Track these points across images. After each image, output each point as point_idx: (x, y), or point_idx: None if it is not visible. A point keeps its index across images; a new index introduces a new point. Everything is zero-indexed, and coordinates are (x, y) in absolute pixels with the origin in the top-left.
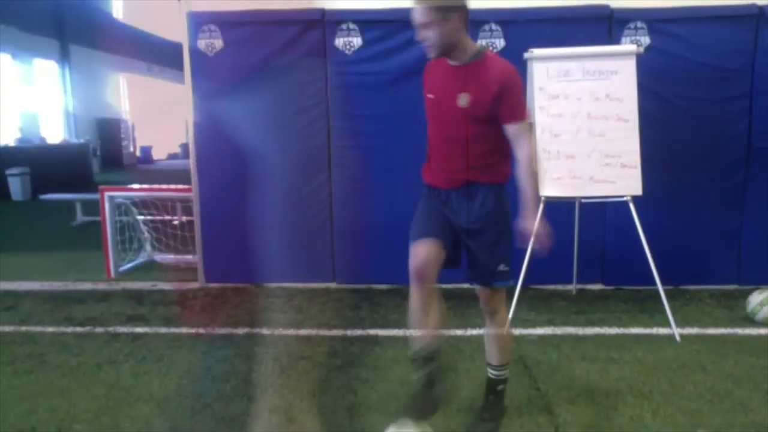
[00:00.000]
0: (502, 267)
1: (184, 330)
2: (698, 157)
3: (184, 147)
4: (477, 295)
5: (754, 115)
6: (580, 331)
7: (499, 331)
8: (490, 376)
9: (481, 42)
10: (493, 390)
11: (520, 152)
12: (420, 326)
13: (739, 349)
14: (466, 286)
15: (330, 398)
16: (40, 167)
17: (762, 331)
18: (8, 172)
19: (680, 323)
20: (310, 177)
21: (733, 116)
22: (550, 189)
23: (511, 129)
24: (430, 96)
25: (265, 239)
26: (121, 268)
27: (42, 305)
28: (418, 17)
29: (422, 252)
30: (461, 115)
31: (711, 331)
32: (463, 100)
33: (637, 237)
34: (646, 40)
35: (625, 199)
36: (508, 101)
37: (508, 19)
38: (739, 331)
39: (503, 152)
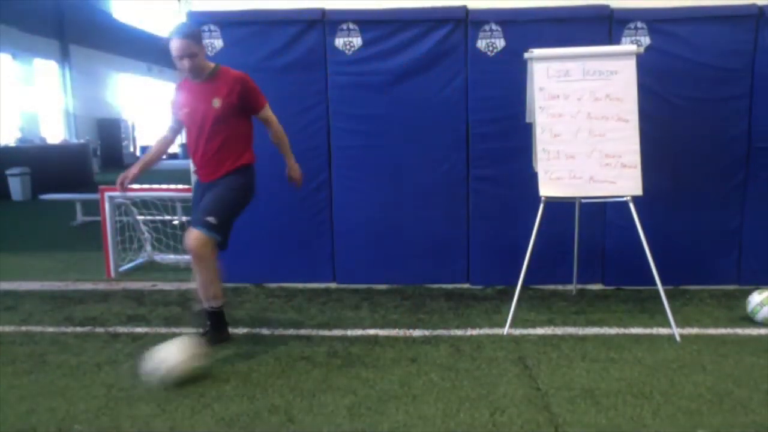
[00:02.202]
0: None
1: (184, 330)
2: (698, 157)
3: (184, 147)
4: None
5: (754, 115)
6: (580, 331)
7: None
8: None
9: (481, 42)
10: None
11: (272, 128)
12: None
13: (739, 349)
14: (466, 286)
15: (330, 398)
16: (40, 167)
17: (762, 331)
18: (8, 172)
19: (680, 323)
20: (310, 177)
21: (733, 116)
22: (550, 189)
23: (261, 115)
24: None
25: (265, 239)
26: (121, 268)
27: (42, 305)
28: (183, 50)
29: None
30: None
31: (711, 331)
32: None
33: (637, 237)
34: (646, 40)
35: (625, 199)
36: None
37: (508, 19)
38: (739, 331)
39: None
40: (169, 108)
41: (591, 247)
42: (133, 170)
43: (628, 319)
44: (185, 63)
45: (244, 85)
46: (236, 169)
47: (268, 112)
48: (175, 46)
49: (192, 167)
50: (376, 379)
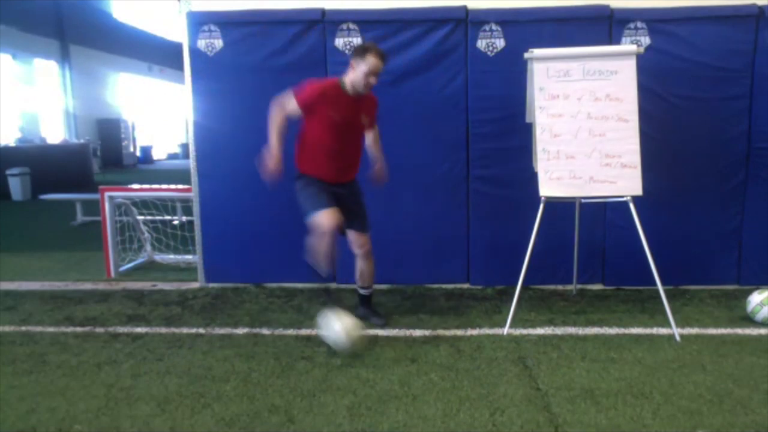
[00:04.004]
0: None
1: (184, 330)
2: (698, 157)
3: (184, 147)
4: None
5: (754, 115)
6: (580, 331)
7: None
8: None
9: (481, 42)
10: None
11: (375, 134)
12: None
13: (739, 349)
14: (466, 286)
15: (330, 398)
16: (40, 167)
17: (762, 331)
18: (8, 172)
19: (680, 323)
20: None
21: (733, 116)
22: (550, 189)
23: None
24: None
25: (265, 239)
26: (121, 268)
27: (42, 305)
28: (379, 69)
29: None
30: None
31: (711, 331)
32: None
33: (637, 237)
34: (646, 40)
35: (625, 199)
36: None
37: (508, 19)
38: (739, 331)
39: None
40: (306, 101)
41: (591, 247)
42: (277, 160)
43: (628, 319)
44: (373, 80)
45: (377, 107)
46: (356, 177)
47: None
48: (376, 64)
49: (313, 165)
50: (376, 379)
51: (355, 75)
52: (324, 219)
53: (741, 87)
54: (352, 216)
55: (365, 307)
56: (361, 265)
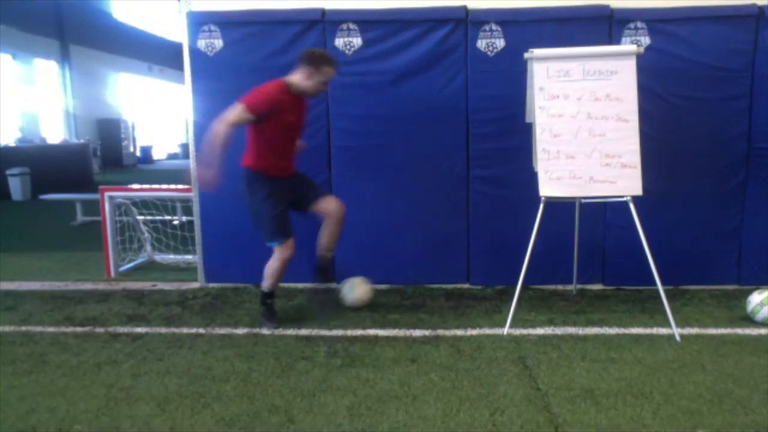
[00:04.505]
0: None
1: (184, 330)
2: (698, 157)
3: (184, 147)
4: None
5: (754, 115)
6: (580, 331)
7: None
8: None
9: (481, 42)
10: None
11: None
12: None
13: (739, 349)
14: (466, 286)
15: (330, 398)
16: (40, 167)
17: (762, 331)
18: (8, 172)
19: (680, 323)
20: (310, 177)
21: (733, 116)
22: (550, 189)
23: None
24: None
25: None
26: (121, 268)
27: (42, 305)
28: (332, 77)
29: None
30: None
31: (711, 331)
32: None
33: (637, 237)
34: (646, 40)
35: (625, 199)
36: None
37: (508, 19)
38: (739, 331)
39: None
40: (259, 110)
41: (591, 247)
42: (218, 173)
43: (628, 319)
44: (324, 87)
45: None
46: None
47: None
48: (332, 74)
49: (264, 164)
50: (376, 379)
51: (310, 83)
52: (289, 250)
53: (741, 87)
54: (311, 193)
55: (323, 273)
56: (333, 228)
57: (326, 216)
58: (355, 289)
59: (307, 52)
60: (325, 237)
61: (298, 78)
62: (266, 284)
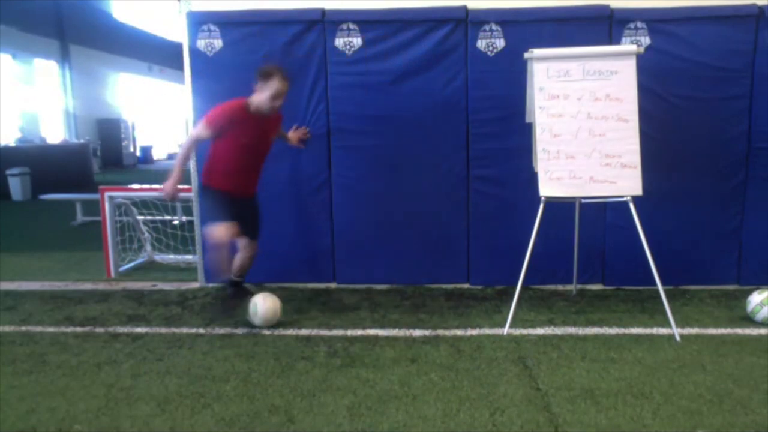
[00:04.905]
0: None
1: (184, 330)
2: (698, 157)
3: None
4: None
5: (754, 115)
6: (580, 331)
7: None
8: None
9: (481, 42)
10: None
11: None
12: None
13: (739, 349)
14: (466, 286)
15: (330, 398)
16: (40, 167)
17: (762, 331)
18: (8, 172)
19: (680, 323)
20: (310, 177)
21: (733, 116)
22: (550, 189)
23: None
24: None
25: (265, 239)
26: (121, 268)
27: (42, 305)
28: (284, 92)
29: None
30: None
31: (711, 331)
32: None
33: (637, 237)
34: (646, 40)
35: (625, 199)
36: None
37: (508, 19)
38: (739, 331)
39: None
40: (216, 125)
41: (591, 247)
42: (178, 172)
43: (628, 319)
44: (278, 103)
45: (281, 121)
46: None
47: None
48: (280, 88)
49: (222, 180)
50: (376, 379)
51: (260, 98)
52: (222, 230)
53: (741, 87)
54: (249, 226)
55: (240, 294)
56: (244, 261)
57: (242, 248)
58: (258, 308)
59: (259, 68)
60: (239, 262)
61: (254, 95)
62: (222, 275)
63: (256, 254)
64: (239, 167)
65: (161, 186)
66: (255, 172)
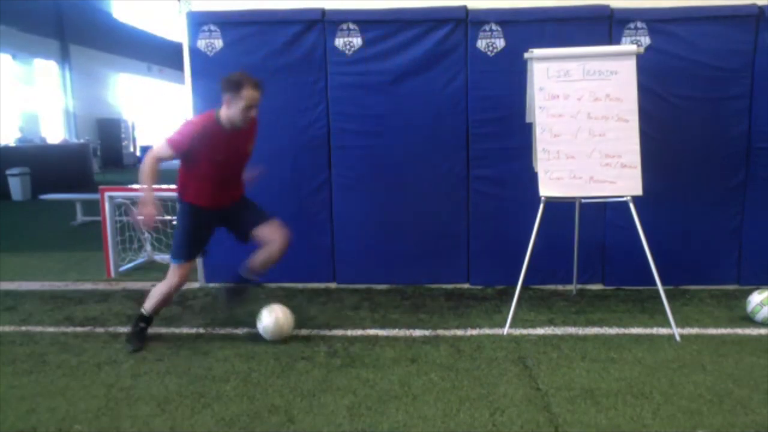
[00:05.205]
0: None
1: (184, 330)
2: (698, 157)
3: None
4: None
5: (754, 115)
6: (580, 331)
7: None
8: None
9: (481, 42)
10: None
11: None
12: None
13: (739, 349)
14: (466, 286)
15: (330, 398)
16: (40, 167)
17: (762, 331)
18: (8, 172)
19: (680, 323)
20: (310, 177)
21: (733, 116)
22: (550, 189)
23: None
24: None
25: None
26: (121, 268)
27: (42, 305)
28: (258, 100)
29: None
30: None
31: (711, 331)
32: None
33: (637, 237)
34: (646, 40)
35: (625, 199)
36: None
37: (508, 19)
38: (739, 331)
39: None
40: (180, 148)
41: (591, 247)
42: (150, 202)
43: (628, 319)
44: (253, 112)
45: (256, 127)
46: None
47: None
48: (253, 96)
49: (197, 196)
50: (376, 379)
51: (233, 111)
52: (184, 273)
53: (741, 87)
54: (252, 217)
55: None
56: (272, 254)
57: (269, 243)
58: (264, 320)
59: (224, 78)
60: (261, 258)
61: (223, 108)
62: (148, 305)
63: (287, 244)
64: (214, 184)
65: (137, 214)
66: (234, 183)
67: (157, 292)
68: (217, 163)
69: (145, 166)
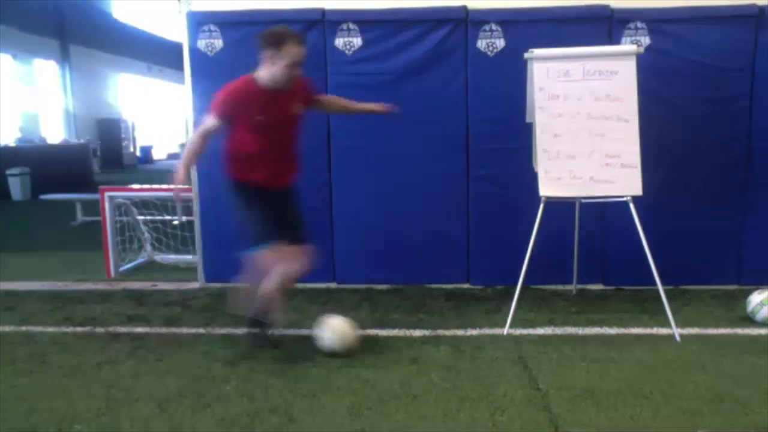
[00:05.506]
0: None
1: (184, 330)
2: (698, 157)
3: (184, 147)
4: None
5: (754, 115)
6: (580, 331)
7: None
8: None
9: (481, 42)
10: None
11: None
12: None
13: (739, 349)
14: (466, 286)
15: (330, 398)
16: (40, 167)
17: (762, 331)
18: (8, 172)
19: (680, 323)
20: (310, 177)
21: (733, 116)
22: (550, 189)
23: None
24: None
25: None
26: (121, 268)
27: (42, 305)
28: (302, 57)
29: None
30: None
31: (711, 331)
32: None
33: (637, 237)
34: (646, 40)
35: (625, 199)
36: None
37: (508, 19)
38: (739, 331)
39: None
40: (222, 111)
41: (591, 247)
42: (183, 171)
43: (628, 319)
44: (297, 70)
45: (310, 85)
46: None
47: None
48: (298, 53)
49: (248, 170)
50: (376, 379)
51: (276, 69)
52: (267, 253)
53: (741, 87)
54: (291, 227)
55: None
56: (290, 276)
57: (286, 260)
58: (327, 331)
59: (263, 33)
60: (258, 293)
61: (262, 67)
62: (269, 318)
63: (310, 267)
64: (265, 151)
65: (171, 183)
66: (287, 157)
67: (263, 292)
68: (264, 126)
69: (194, 140)
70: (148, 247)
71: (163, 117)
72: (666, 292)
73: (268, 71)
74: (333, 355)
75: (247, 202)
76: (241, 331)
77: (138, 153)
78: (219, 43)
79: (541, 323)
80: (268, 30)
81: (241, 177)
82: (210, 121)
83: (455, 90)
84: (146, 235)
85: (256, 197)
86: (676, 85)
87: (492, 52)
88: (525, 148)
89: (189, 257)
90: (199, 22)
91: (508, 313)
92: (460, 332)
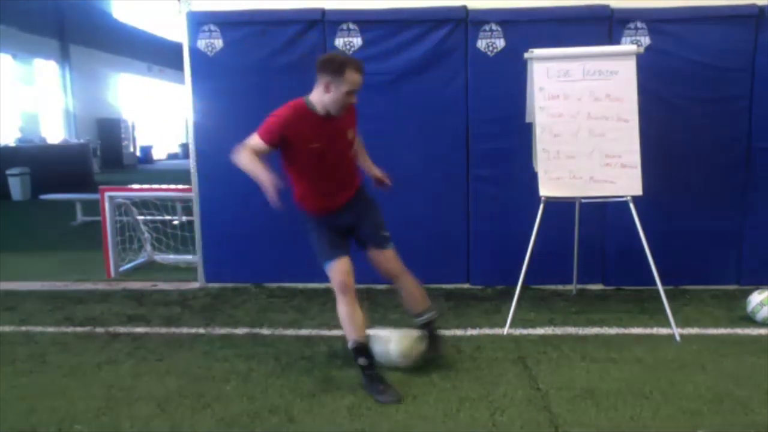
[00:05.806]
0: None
1: (184, 330)
2: (698, 157)
3: (184, 147)
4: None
5: (754, 115)
6: (580, 331)
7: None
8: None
9: (481, 42)
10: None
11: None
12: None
13: (739, 349)
14: (466, 286)
15: (330, 398)
16: (40, 167)
17: (762, 331)
18: (8, 172)
19: (680, 323)
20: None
21: (733, 116)
22: (550, 189)
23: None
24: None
25: (265, 239)
26: (121, 268)
27: (42, 305)
28: (361, 84)
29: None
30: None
31: (711, 331)
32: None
33: (637, 237)
34: (646, 40)
35: (625, 199)
36: None
37: (508, 19)
38: (739, 331)
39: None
40: (271, 136)
41: (591, 247)
42: (270, 188)
43: (628, 319)
44: (354, 99)
45: (356, 113)
46: (360, 187)
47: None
48: (358, 81)
49: (308, 202)
50: None
51: (333, 95)
52: (335, 272)
53: (741, 87)
54: (369, 229)
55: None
56: (409, 289)
57: (387, 275)
58: (396, 345)
59: (322, 59)
60: (405, 300)
61: (317, 93)
62: (347, 335)
63: (406, 271)
64: (321, 181)
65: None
66: (343, 180)
67: (339, 315)
68: (318, 154)
69: (242, 158)
70: (148, 247)
71: (163, 117)
72: (666, 292)
73: (325, 97)
74: (335, 353)
75: (312, 230)
76: (240, 330)
77: (138, 153)
78: (219, 43)
79: (541, 323)
80: (329, 56)
81: (305, 208)
82: (257, 143)
83: (455, 90)
84: (146, 235)
85: (313, 221)
86: (676, 85)
87: (492, 52)
88: (525, 148)
89: (189, 257)
90: (199, 22)
91: (508, 313)
92: (459, 332)
